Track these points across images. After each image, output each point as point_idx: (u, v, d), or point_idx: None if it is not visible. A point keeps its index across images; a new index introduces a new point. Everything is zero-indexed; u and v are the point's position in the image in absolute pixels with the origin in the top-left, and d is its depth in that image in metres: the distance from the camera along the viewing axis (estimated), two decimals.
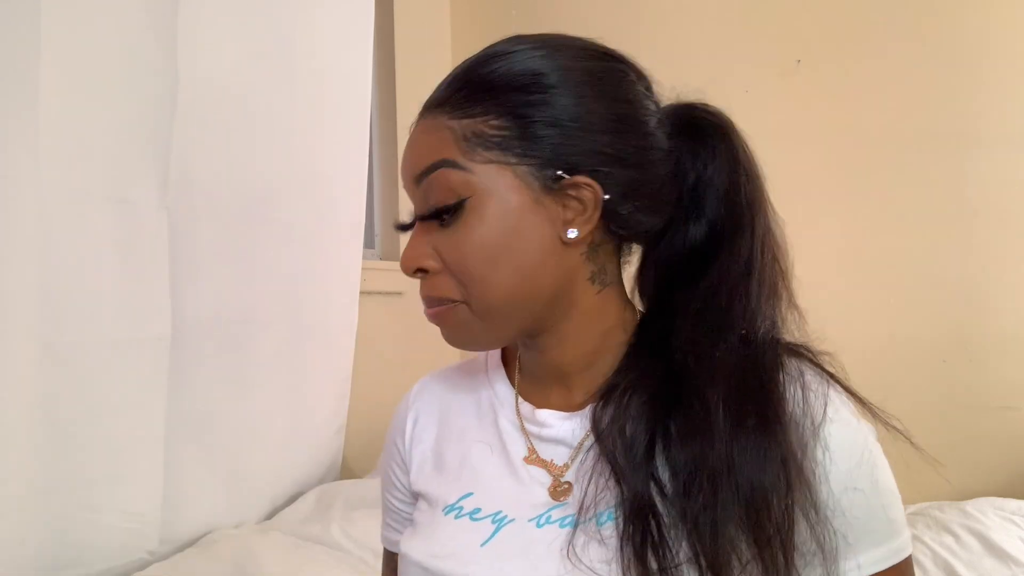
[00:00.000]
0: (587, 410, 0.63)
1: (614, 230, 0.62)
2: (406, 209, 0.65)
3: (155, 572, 1.17)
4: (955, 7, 1.92)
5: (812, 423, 0.57)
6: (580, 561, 0.57)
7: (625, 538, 0.56)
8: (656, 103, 0.63)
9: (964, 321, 1.91)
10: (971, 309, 1.91)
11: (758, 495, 0.54)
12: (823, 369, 0.61)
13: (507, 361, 0.73)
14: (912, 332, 1.92)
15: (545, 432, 0.65)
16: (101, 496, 1.13)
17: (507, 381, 0.71)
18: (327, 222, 1.64)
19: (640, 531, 0.55)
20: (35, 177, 1.00)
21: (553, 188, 0.59)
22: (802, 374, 0.60)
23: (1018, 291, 1.89)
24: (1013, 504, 1.68)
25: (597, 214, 0.60)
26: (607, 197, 0.59)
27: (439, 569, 0.61)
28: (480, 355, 0.76)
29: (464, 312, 0.61)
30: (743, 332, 0.60)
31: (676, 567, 0.54)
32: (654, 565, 0.54)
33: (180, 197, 1.24)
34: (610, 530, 0.57)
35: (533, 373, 0.69)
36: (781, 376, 0.59)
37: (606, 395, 0.62)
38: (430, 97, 0.63)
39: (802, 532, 0.55)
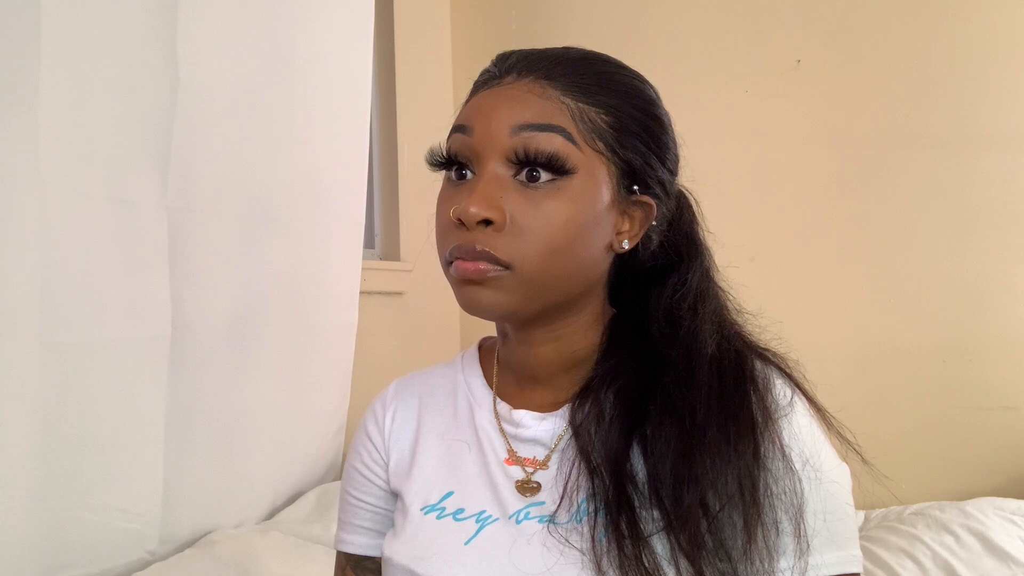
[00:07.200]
0: (563, 410, 0.65)
1: (635, 250, 0.66)
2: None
3: (155, 572, 1.17)
4: (956, 7, 1.92)
5: (775, 423, 0.60)
6: (562, 551, 0.59)
7: (599, 523, 0.58)
8: None
9: (964, 322, 1.91)
10: (971, 310, 1.91)
11: (729, 474, 0.57)
12: (791, 378, 0.64)
13: (482, 362, 0.74)
14: (912, 333, 1.92)
15: (521, 432, 0.66)
16: (101, 496, 1.12)
17: (484, 381, 0.72)
18: (327, 222, 1.64)
19: (615, 516, 0.57)
20: (35, 177, 0.99)
21: (623, 198, 0.63)
22: (769, 377, 0.63)
23: (1018, 292, 1.89)
24: (1013, 504, 1.68)
25: (641, 233, 0.65)
26: (653, 223, 0.65)
27: (426, 572, 0.62)
28: (456, 358, 0.77)
29: (509, 279, 0.59)
30: (714, 325, 0.64)
31: (650, 553, 0.56)
32: (629, 548, 0.56)
33: (180, 197, 1.24)
34: (587, 523, 0.59)
35: (514, 372, 0.70)
36: (752, 372, 0.62)
37: (583, 393, 0.64)
38: (529, 61, 0.62)
39: (767, 519, 0.57)
